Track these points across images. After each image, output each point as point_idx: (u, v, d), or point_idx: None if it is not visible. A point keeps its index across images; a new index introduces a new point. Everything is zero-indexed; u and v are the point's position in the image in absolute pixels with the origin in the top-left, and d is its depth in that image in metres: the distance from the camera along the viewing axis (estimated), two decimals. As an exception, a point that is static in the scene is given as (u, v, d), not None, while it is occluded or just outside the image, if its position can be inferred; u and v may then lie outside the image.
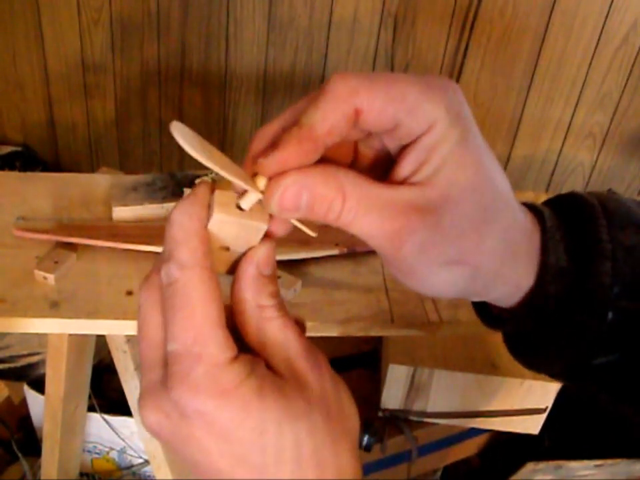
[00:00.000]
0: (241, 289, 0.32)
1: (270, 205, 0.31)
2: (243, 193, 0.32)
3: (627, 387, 0.37)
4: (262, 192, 0.31)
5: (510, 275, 0.34)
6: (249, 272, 0.32)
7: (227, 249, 0.33)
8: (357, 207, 0.30)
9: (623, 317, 0.34)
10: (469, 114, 0.32)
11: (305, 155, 0.30)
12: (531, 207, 0.37)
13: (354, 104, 0.30)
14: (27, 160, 1.69)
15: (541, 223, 0.35)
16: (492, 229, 0.32)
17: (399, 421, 1.09)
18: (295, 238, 0.65)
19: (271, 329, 0.32)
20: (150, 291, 0.32)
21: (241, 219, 0.32)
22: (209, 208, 0.32)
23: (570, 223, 0.36)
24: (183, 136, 0.30)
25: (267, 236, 0.33)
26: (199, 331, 0.29)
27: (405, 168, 0.31)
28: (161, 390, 0.30)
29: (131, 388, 0.84)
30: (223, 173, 0.30)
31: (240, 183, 0.31)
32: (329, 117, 0.30)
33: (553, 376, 0.39)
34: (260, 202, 0.32)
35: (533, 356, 0.38)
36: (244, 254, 0.33)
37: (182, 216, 0.31)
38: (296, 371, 0.32)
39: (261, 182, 0.31)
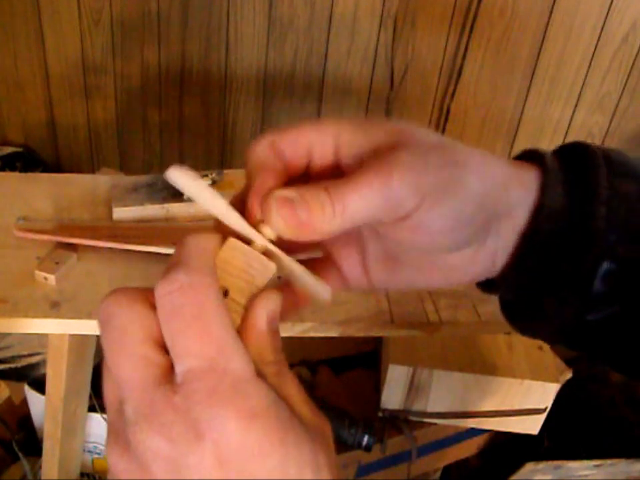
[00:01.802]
0: (249, 343, 0.29)
1: (274, 221, 0.31)
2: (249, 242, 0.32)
3: (625, 346, 0.37)
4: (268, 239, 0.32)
5: (505, 205, 0.34)
6: (260, 326, 0.30)
7: (226, 293, 0.30)
8: (342, 190, 0.31)
9: (619, 266, 0.34)
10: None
11: (274, 181, 0.33)
12: (532, 151, 0.37)
13: (269, 141, 0.35)
14: (28, 161, 1.70)
15: (541, 164, 0.36)
16: (466, 161, 0.33)
17: (399, 421, 1.09)
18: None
19: (280, 383, 0.29)
20: (129, 302, 0.29)
21: (253, 250, 0.31)
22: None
23: (571, 168, 0.36)
24: (187, 183, 0.31)
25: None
26: (220, 343, 0.27)
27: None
28: (168, 410, 0.26)
29: (132, 388, 0.84)
30: (234, 225, 0.31)
31: (244, 229, 0.32)
32: (257, 154, 0.35)
33: (550, 338, 0.39)
34: (266, 252, 0.32)
35: (528, 317, 0.38)
36: (246, 308, 0.31)
37: (198, 238, 0.30)
38: (312, 421, 0.29)
39: (266, 231, 0.32)
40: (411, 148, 0.32)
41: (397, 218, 0.32)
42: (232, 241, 0.31)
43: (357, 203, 0.31)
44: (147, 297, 0.29)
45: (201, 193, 0.31)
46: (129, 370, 0.27)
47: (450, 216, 0.32)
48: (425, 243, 0.33)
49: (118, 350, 0.28)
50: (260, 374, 0.28)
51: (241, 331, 0.29)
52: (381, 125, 0.34)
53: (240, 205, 0.33)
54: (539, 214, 0.35)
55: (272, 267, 0.32)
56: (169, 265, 0.29)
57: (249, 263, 0.31)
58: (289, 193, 0.31)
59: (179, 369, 0.27)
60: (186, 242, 0.30)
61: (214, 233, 0.31)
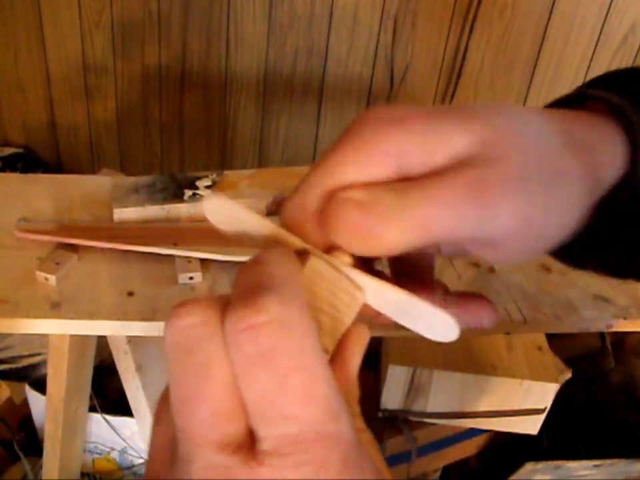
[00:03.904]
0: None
1: (341, 233, 0.25)
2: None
3: None
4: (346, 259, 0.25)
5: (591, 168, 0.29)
6: (353, 376, 0.25)
7: None
8: (428, 197, 0.25)
9: None
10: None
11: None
12: (603, 98, 0.31)
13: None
14: (29, 161, 1.70)
15: (621, 117, 0.31)
16: (569, 171, 0.27)
17: (399, 421, 1.10)
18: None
19: (364, 442, 0.24)
20: (213, 327, 0.21)
21: (341, 275, 0.25)
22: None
23: None
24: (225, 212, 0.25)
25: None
26: (327, 402, 0.20)
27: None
28: None
29: (132, 388, 0.84)
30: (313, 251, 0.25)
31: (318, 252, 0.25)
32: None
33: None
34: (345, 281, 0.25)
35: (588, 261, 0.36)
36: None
37: (279, 256, 0.24)
38: None
39: (344, 258, 0.25)
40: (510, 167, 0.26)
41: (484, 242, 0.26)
42: (315, 262, 0.25)
43: (443, 225, 0.25)
44: None
45: (245, 218, 0.26)
46: (206, 423, 0.21)
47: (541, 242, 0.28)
48: (500, 260, 0.29)
49: (195, 393, 0.21)
50: None
51: None
52: (461, 125, 0.26)
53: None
54: (635, 173, 0.30)
55: (361, 297, 0.25)
56: (240, 287, 0.22)
57: (334, 291, 0.25)
58: (358, 194, 0.25)
59: (266, 432, 0.20)
60: (264, 259, 0.23)
61: (288, 249, 0.25)
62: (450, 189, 0.25)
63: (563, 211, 0.27)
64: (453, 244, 0.29)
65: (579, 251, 0.34)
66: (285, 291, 0.21)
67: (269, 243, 0.26)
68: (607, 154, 0.30)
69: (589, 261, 0.36)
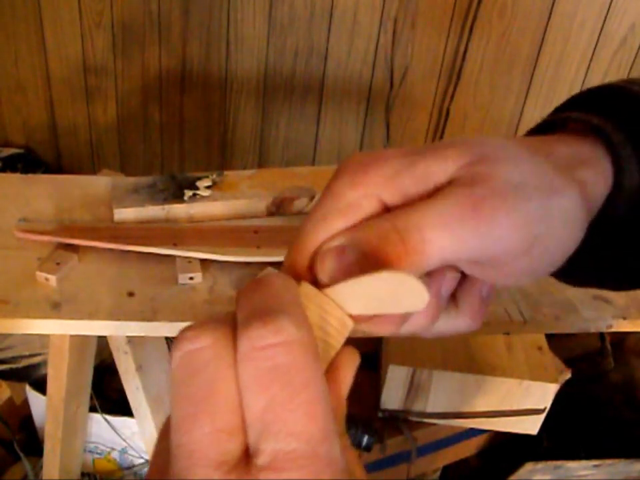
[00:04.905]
0: None
1: (319, 268, 0.27)
2: None
3: None
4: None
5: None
6: (343, 399, 0.26)
7: None
8: (418, 220, 0.25)
9: None
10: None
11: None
12: (583, 120, 0.31)
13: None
14: (29, 162, 1.70)
15: (603, 137, 0.30)
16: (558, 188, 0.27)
17: (399, 421, 1.10)
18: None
19: (347, 462, 0.24)
20: (222, 348, 0.22)
21: (330, 301, 0.26)
22: None
23: (635, 129, 0.31)
24: None
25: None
26: (325, 424, 0.21)
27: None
28: None
29: (132, 388, 0.84)
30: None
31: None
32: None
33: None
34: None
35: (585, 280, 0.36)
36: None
37: (282, 280, 0.25)
38: None
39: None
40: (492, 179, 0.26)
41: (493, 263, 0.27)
42: (306, 287, 0.26)
43: (447, 243, 0.25)
44: None
45: None
46: (207, 440, 0.21)
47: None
48: (507, 283, 0.30)
49: (199, 409, 0.21)
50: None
51: None
52: (442, 153, 0.26)
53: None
54: (616, 197, 0.31)
55: (350, 323, 0.26)
56: (249, 307, 0.23)
57: (325, 317, 0.26)
58: (338, 241, 0.26)
59: (265, 446, 0.21)
60: (268, 281, 0.24)
61: (287, 275, 0.26)
62: (443, 209, 0.25)
63: (562, 226, 0.27)
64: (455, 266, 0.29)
65: (578, 270, 0.35)
66: (297, 314, 0.23)
67: None
68: (595, 172, 0.30)
69: (588, 278, 0.37)
